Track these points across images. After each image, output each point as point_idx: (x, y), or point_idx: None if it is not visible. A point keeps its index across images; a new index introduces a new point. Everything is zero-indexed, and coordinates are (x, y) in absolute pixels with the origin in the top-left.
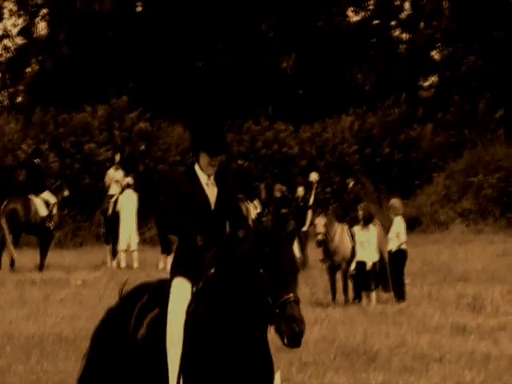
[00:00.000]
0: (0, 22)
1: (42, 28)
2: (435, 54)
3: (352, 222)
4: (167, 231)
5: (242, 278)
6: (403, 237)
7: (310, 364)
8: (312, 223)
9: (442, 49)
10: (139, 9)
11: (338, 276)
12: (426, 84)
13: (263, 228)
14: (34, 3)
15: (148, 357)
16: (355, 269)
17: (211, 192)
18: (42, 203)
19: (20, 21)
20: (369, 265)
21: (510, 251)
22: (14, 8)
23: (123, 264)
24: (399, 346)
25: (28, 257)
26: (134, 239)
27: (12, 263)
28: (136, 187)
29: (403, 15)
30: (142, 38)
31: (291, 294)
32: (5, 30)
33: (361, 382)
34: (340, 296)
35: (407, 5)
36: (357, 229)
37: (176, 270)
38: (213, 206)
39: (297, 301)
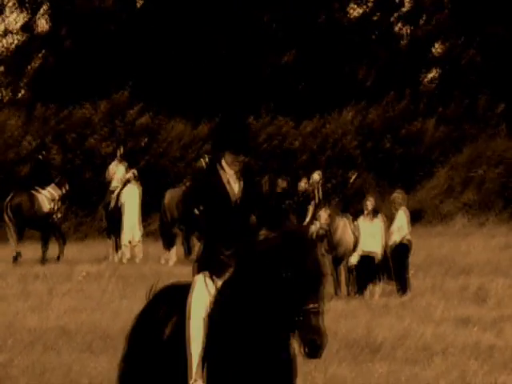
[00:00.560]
0: (0, 15)
1: (43, 24)
2: (438, 47)
3: (356, 215)
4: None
5: (263, 281)
6: (406, 228)
7: None
8: (313, 218)
9: (443, 42)
10: (140, 4)
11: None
12: (427, 79)
13: (290, 230)
14: None
15: (175, 356)
16: (361, 261)
17: (234, 188)
18: (46, 198)
19: (21, 17)
20: (379, 255)
21: None
22: (15, 4)
23: (126, 257)
24: (403, 337)
25: (31, 250)
26: (138, 232)
27: (15, 257)
28: (140, 180)
29: (404, 10)
30: (142, 33)
31: (316, 304)
32: (6, 26)
33: (364, 374)
34: (343, 288)
35: None
36: (363, 220)
37: (199, 267)
38: (235, 202)
39: (321, 312)
